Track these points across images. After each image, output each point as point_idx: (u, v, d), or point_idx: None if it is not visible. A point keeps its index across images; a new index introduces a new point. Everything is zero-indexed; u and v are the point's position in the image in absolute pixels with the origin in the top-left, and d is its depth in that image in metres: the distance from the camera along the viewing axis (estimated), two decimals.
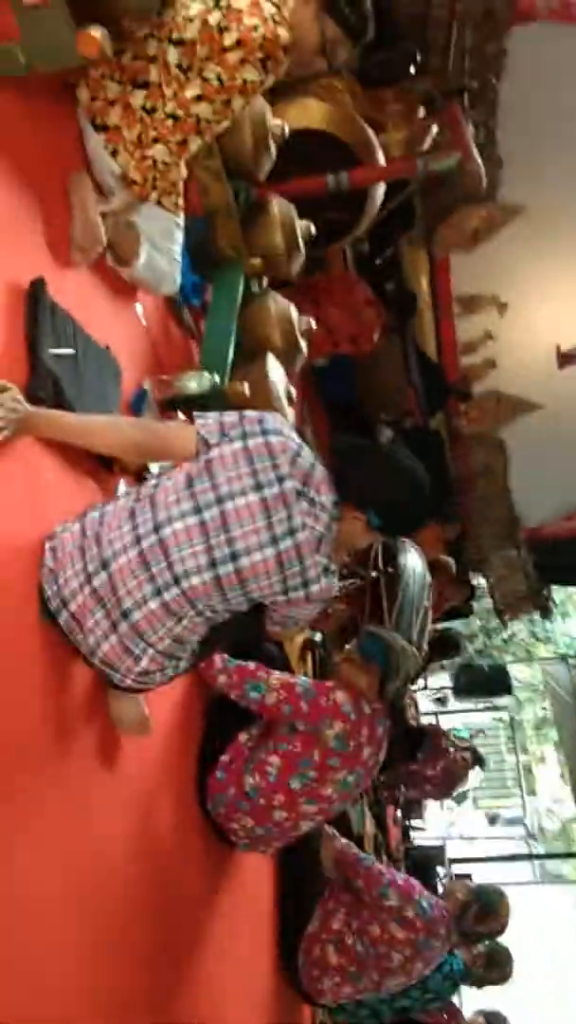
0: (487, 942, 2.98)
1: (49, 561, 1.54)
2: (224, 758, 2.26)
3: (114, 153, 2.02)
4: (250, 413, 1.63)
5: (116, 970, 1.62)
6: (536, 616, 8.78)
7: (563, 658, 10.20)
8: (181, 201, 2.21)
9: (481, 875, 7.54)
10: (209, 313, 2.69)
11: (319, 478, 1.60)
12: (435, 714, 10.08)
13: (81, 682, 1.66)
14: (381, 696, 2.32)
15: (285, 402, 2.66)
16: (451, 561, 6.12)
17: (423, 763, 5.73)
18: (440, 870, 6.68)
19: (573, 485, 7.50)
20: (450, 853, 7.81)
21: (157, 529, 1.50)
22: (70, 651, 1.58)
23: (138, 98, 1.96)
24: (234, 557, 1.52)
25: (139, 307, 2.43)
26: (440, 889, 4.54)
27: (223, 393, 2.39)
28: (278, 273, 3.05)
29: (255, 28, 1.91)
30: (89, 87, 1.98)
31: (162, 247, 2.25)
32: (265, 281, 3.07)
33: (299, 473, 1.57)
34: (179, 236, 2.30)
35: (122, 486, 1.91)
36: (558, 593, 9.91)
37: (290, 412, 2.72)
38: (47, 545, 1.57)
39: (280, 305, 2.86)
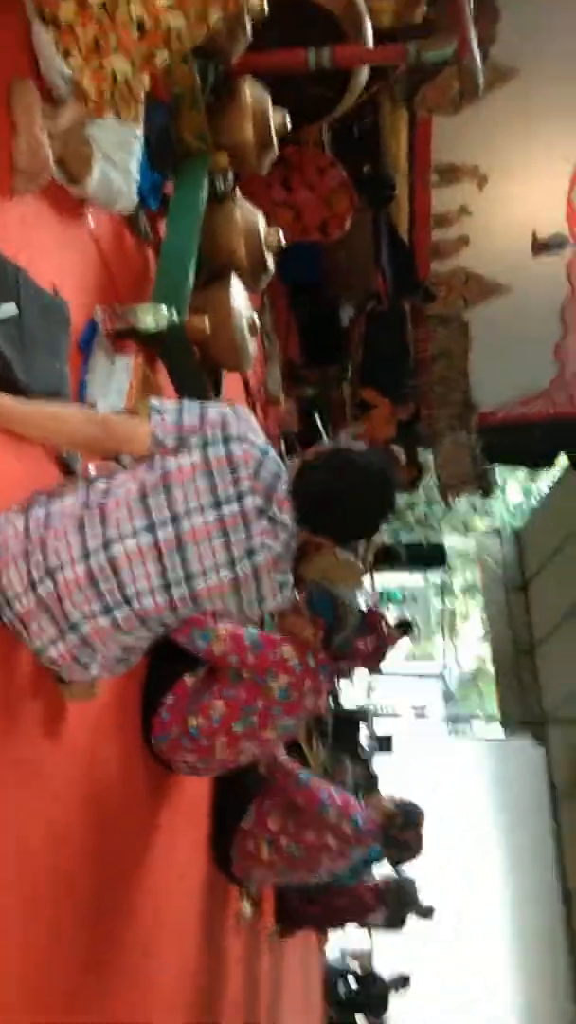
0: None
1: None
2: (168, 699, 2.32)
3: (66, 54, 1.72)
4: (212, 413, 1.49)
5: (67, 894, 1.73)
6: (478, 495, 9.02)
7: (496, 532, 10.63)
8: (141, 110, 1.92)
9: (399, 727, 8.25)
10: (169, 223, 2.44)
11: (282, 493, 1.51)
12: (373, 571, 10.48)
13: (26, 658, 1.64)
14: (327, 647, 2.38)
15: (248, 334, 2.50)
16: (401, 453, 6.13)
17: (357, 638, 6.04)
18: (363, 726, 7.22)
19: (531, 372, 7.46)
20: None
21: (107, 546, 1.42)
22: (12, 639, 1.55)
23: None
24: (188, 578, 1.46)
25: (90, 219, 2.18)
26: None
27: (181, 329, 2.22)
28: (246, 169, 2.76)
29: None
30: None
31: (118, 161, 1.99)
32: (231, 177, 2.78)
33: (261, 487, 1.48)
34: (137, 148, 2.03)
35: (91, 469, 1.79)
36: (500, 472, 10.15)
37: (253, 343, 2.56)
38: None
39: (247, 215, 2.61)
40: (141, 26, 1.68)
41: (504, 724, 9.60)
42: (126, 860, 2.16)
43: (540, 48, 5.23)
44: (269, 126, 2.63)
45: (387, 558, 6.30)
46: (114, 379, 2.18)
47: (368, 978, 6.63)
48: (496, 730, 10.68)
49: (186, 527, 1.44)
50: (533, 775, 8.69)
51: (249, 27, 2.44)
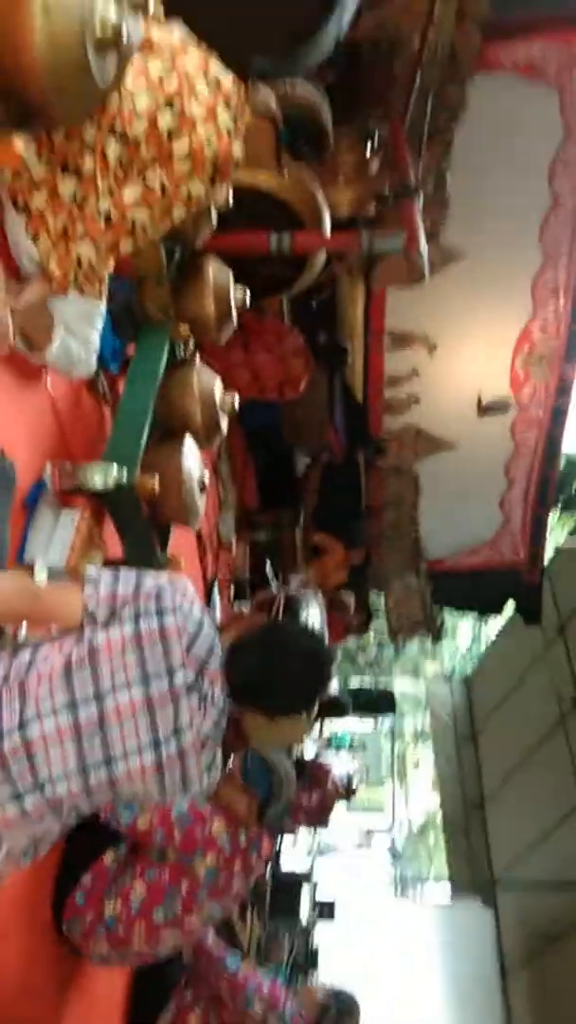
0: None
1: None
2: (85, 880, 2.15)
3: (35, 238, 1.82)
4: (148, 584, 1.47)
5: None
6: (428, 639, 9.02)
7: (447, 677, 10.56)
8: (104, 288, 2.03)
9: (344, 892, 7.75)
10: (127, 387, 2.51)
11: (214, 668, 1.47)
12: (321, 719, 10.22)
13: None
14: (260, 821, 2.25)
15: (198, 493, 2.53)
16: (350, 600, 6.15)
17: (300, 793, 5.78)
18: (304, 890, 6.78)
19: (478, 522, 7.70)
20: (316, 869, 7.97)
21: (23, 725, 1.34)
22: None
23: (68, 185, 1.76)
24: (108, 762, 1.38)
25: (48, 383, 2.24)
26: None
27: (131, 489, 2.24)
28: (205, 339, 2.89)
29: (208, 142, 1.75)
30: None
31: (79, 332, 2.07)
32: (192, 344, 2.90)
33: (193, 662, 1.44)
34: (99, 320, 2.12)
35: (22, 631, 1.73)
36: (449, 616, 10.22)
37: (202, 502, 2.59)
38: None
39: (204, 380, 2.71)
40: (108, 218, 1.80)
41: (453, 886, 9.11)
42: None
43: (484, 232, 5.77)
44: (230, 302, 2.78)
45: (333, 709, 6.16)
46: (57, 535, 2.17)
47: None
48: (445, 890, 10.14)
49: (110, 705, 1.38)
50: (482, 942, 8.18)
51: (215, 216, 2.63)
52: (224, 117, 1.78)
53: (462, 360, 6.52)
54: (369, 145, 3.34)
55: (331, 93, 3.71)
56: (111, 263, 1.92)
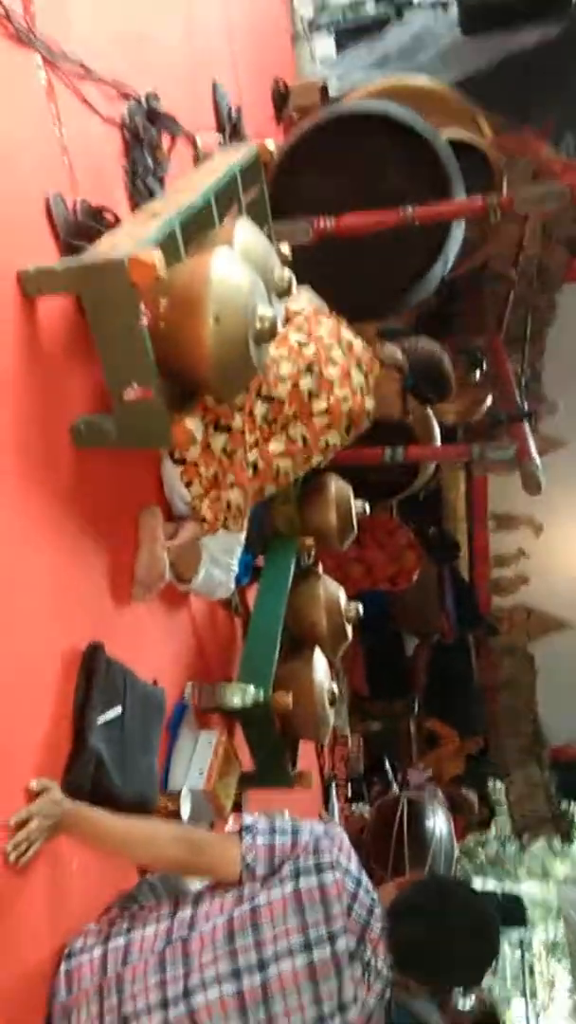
0: None
1: (62, 993, 1.37)
2: None
3: (188, 484, 2.02)
4: (304, 835, 1.47)
5: None
6: (556, 839, 8.26)
7: None
8: (245, 523, 2.20)
9: None
10: (258, 603, 2.64)
11: (376, 932, 1.42)
12: None
13: None
14: None
15: (328, 705, 2.55)
16: (474, 798, 5.81)
17: None
18: None
19: None
20: None
21: (187, 995, 1.32)
22: None
23: (219, 440, 1.98)
24: None
25: (191, 604, 2.38)
26: None
27: (267, 707, 2.29)
28: (328, 547, 3.03)
29: (344, 399, 1.95)
30: None
31: (221, 562, 2.22)
32: (314, 552, 3.05)
33: (355, 925, 1.40)
34: (239, 550, 2.28)
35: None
36: None
37: (332, 713, 2.60)
38: (62, 967, 1.41)
39: (329, 590, 2.82)
40: (255, 467, 1.99)
41: None
42: None
43: None
44: (351, 514, 2.94)
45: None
46: (196, 757, 2.21)
47: None
48: None
49: (273, 974, 1.33)
50: None
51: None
52: (357, 377, 1.99)
53: (571, 543, 6.48)
54: (476, 365, 3.59)
55: (431, 315, 4.08)
56: (255, 502, 2.10)
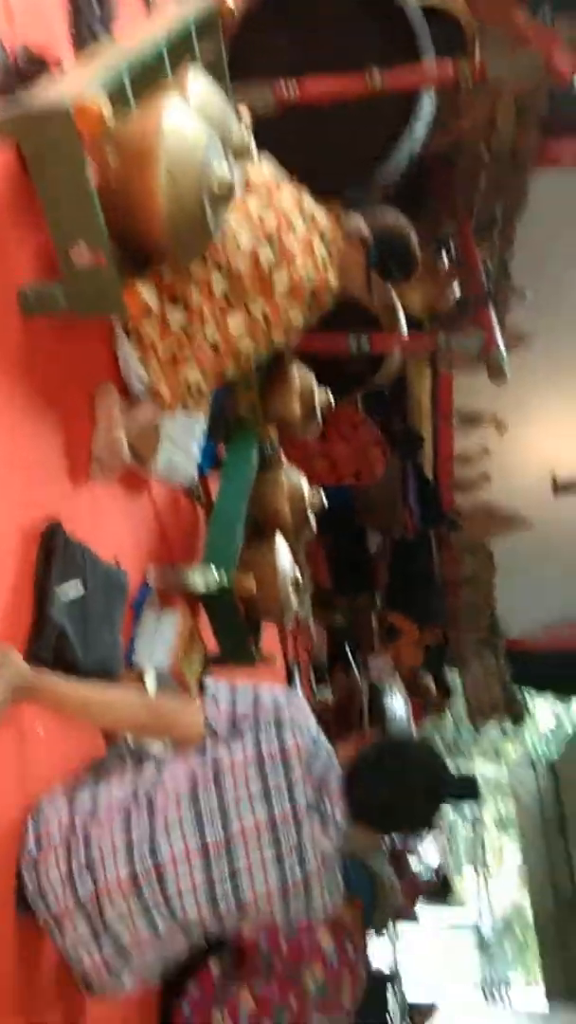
0: None
1: (32, 850, 1.43)
2: (192, 989, 2.12)
3: (145, 363, 1.96)
4: (265, 699, 1.51)
5: None
6: (508, 722, 8.71)
7: (531, 763, 10.12)
8: (206, 404, 2.16)
9: (430, 987, 7.32)
10: (221, 490, 2.63)
11: (333, 787, 1.49)
12: None
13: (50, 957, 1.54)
14: (364, 930, 2.20)
15: (291, 590, 2.59)
16: (430, 683, 6.06)
17: None
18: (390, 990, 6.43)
19: (555, 601, 7.51)
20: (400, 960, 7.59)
21: (153, 848, 1.38)
22: (43, 937, 1.47)
23: (176, 317, 1.90)
24: (236, 887, 1.40)
25: (152, 490, 2.36)
26: None
27: (230, 590, 2.32)
28: (292, 436, 3.01)
29: (307, 273, 1.88)
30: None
31: (182, 444, 2.20)
32: (277, 442, 3.03)
33: (313, 781, 1.47)
34: (200, 433, 2.25)
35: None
36: (529, 697, 9.88)
37: (295, 598, 2.65)
38: (31, 827, 1.45)
39: (292, 479, 2.81)
40: (215, 347, 1.93)
41: (548, 993, 8.48)
42: None
43: (550, 315, 5.86)
44: (314, 403, 2.90)
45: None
46: (160, 637, 2.25)
47: None
48: (537, 993, 9.46)
49: (235, 827, 1.40)
50: None
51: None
52: (320, 249, 1.91)
53: (534, 439, 6.52)
54: (443, 251, 3.48)
55: (399, 197, 3.92)
56: (216, 384, 2.05)
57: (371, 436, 4.15)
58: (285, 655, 4.44)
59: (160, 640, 2.25)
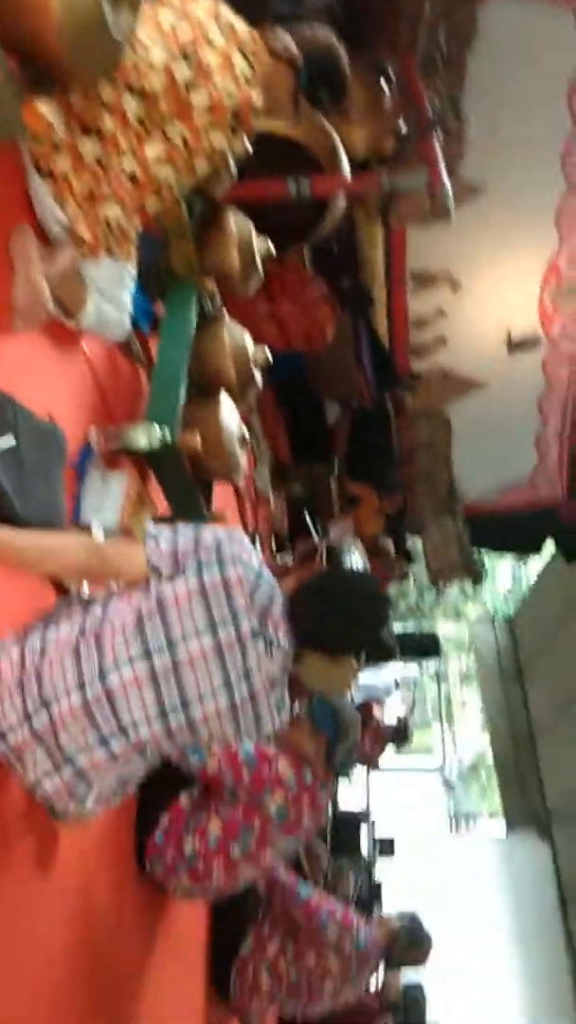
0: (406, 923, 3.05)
1: None
2: (163, 821, 2.26)
3: (62, 203, 1.83)
4: (206, 537, 1.53)
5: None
6: (468, 583, 9.04)
7: (490, 619, 10.60)
8: (134, 248, 2.04)
9: (400, 824, 7.96)
10: (160, 346, 2.53)
11: (277, 614, 1.53)
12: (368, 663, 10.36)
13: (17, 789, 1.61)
14: (328, 762, 2.33)
15: (238, 447, 2.56)
16: (389, 546, 6.20)
17: None
18: (363, 829, 6.98)
19: (511, 464, 7.64)
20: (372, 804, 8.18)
21: (103, 675, 1.42)
22: (8, 775, 1.52)
23: (90, 147, 1.76)
24: (185, 706, 1.46)
25: (85, 347, 2.27)
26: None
27: (174, 447, 2.28)
28: (233, 292, 2.89)
29: (227, 91, 1.73)
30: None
31: (111, 295, 2.09)
32: (218, 299, 2.92)
33: (256, 610, 1.50)
34: (130, 282, 2.14)
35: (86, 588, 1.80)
36: (488, 558, 10.22)
37: (243, 455, 2.63)
38: None
39: (235, 335, 2.72)
40: (133, 177, 1.80)
41: (507, 821, 9.28)
42: (121, 990, 2.06)
43: (504, 163, 5.61)
44: (253, 253, 2.77)
45: (380, 653, 6.24)
46: (108, 497, 2.22)
47: None
48: (499, 827, 10.33)
49: (182, 653, 1.45)
50: (540, 874, 8.36)
51: (234, 166, 2.61)
52: (241, 64, 1.76)
53: (488, 297, 6.39)
54: (383, 81, 3.25)
55: (337, 29, 3.62)
56: (138, 222, 1.93)
57: (319, 293, 4.01)
58: (245, 526, 4.48)
59: (108, 502, 2.23)
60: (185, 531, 1.54)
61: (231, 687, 1.48)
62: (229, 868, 2.21)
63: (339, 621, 1.56)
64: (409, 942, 2.81)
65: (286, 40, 1.94)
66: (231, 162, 2.61)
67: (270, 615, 1.52)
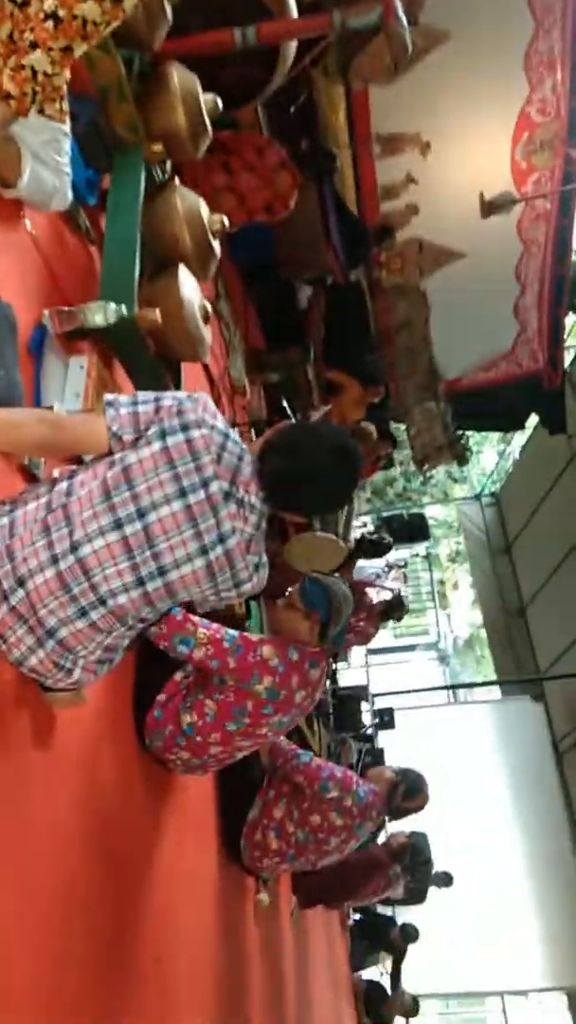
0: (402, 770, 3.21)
1: None
2: (160, 697, 2.30)
3: None
4: (167, 400, 1.47)
5: (75, 900, 1.70)
6: (453, 464, 9.03)
7: (476, 497, 10.68)
8: (66, 106, 1.87)
9: (400, 702, 8.28)
10: (109, 218, 2.38)
11: (247, 474, 1.49)
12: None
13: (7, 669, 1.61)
14: (322, 641, 2.35)
15: (201, 322, 2.46)
16: (372, 428, 6.13)
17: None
18: (364, 705, 7.25)
19: (493, 333, 7.48)
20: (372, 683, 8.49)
21: (75, 548, 1.39)
22: None
23: None
24: (162, 572, 1.44)
25: (28, 223, 2.13)
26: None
27: (132, 322, 2.18)
28: (182, 156, 2.70)
29: None
30: None
31: (48, 160, 1.94)
32: (168, 165, 2.73)
33: (225, 471, 1.46)
34: (67, 144, 1.98)
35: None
36: (473, 437, 10.19)
37: (207, 331, 2.52)
38: None
39: (188, 202, 2.56)
40: (55, 18, 1.63)
41: (502, 689, 9.68)
42: (134, 862, 2.14)
43: (470, 5, 5.21)
44: (201, 110, 2.58)
45: (370, 548, 6.29)
46: (69, 381, 2.14)
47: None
48: (496, 694, 10.77)
49: (153, 520, 1.42)
50: (535, 732, 8.78)
51: (169, 10, 2.38)
52: None
53: (459, 158, 6.09)
54: None
55: None
56: (67, 73, 1.76)
57: (278, 159, 3.77)
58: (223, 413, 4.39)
59: (69, 387, 2.15)
60: (145, 397, 1.48)
61: (206, 551, 1.45)
62: (227, 740, 2.26)
63: (304, 474, 1.52)
64: (407, 789, 2.95)
65: None
66: (167, 8, 2.39)
67: (240, 475, 1.48)
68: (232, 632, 2.25)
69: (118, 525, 1.40)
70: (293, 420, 1.82)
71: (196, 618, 2.21)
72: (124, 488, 1.41)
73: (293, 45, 3.11)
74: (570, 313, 7.44)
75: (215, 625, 2.25)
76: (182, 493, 1.43)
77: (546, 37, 5.51)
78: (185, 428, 1.44)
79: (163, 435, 1.43)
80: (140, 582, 1.43)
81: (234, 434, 1.53)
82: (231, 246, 4.89)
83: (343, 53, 4.93)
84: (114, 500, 1.41)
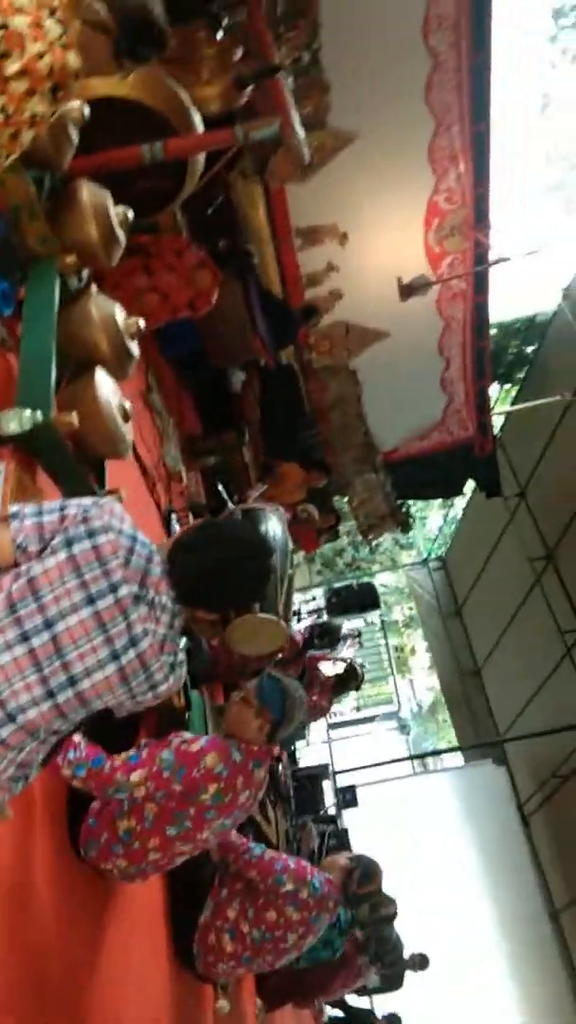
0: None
1: None
2: (94, 805, 2.24)
3: None
4: (72, 509, 1.49)
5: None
6: (397, 531, 9.19)
7: (424, 562, 10.83)
8: None
9: (363, 777, 8.14)
10: (24, 327, 2.45)
11: (156, 575, 1.51)
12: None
13: None
14: (270, 741, 2.33)
15: (120, 421, 2.51)
16: (312, 510, 6.22)
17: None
18: (326, 784, 7.10)
19: (423, 406, 7.76)
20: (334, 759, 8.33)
21: None
22: None
23: None
24: (72, 682, 1.42)
25: None
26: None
27: (49, 427, 2.22)
28: (96, 265, 2.81)
29: (40, 56, 1.66)
30: None
31: None
32: (86, 273, 2.83)
33: (134, 574, 1.48)
34: None
35: None
36: (415, 504, 10.41)
37: (128, 429, 2.58)
38: None
39: (103, 307, 2.65)
40: None
41: (464, 752, 9.60)
42: (78, 980, 2.04)
43: (374, 109, 5.60)
44: (111, 222, 2.69)
45: (325, 636, 6.27)
46: None
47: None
48: (458, 761, 10.67)
49: (61, 629, 1.41)
50: (499, 797, 8.69)
51: (75, 133, 2.52)
52: (53, 28, 1.69)
53: (376, 245, 6.42)
54: (220, 32, 3.18)
55: None
56: None
57: (197, 260, 3.94)
58: (157, 504, 4.42)
59: None
60: (50, 506, 1.50)
61: (118, 656, 1.45)
62: (166, 846, 2.21)
63: (213, 571, 1.54)
64: (362, 875, 2.89)
65: (95, 5, 1.87)
66: (70, 130, 2.52)
67: (149, 576, 1.50)
68: (167, 754, 2.18)
69: (25, 638, 1.40)
70: (202, 521, 1.83)
71: (122, 759, 2.16)
72: (30, 600, 1.41)
73: (202, 156, 3.30)
74: (494, 383, 7.78)
75: (145, 753, 2.19)
76: (90, 600, 1.43)
77: (446, 133, 5.92)
78: (92, 535, 1.46)
79: (69, 544, 1.44)
80: (50, 694, 1.41)
81: (141, 535, 1.55)
82: (160, 340, 5.04)
83: (257, 157, 5.23)
84: (20, 613, 1.40)
